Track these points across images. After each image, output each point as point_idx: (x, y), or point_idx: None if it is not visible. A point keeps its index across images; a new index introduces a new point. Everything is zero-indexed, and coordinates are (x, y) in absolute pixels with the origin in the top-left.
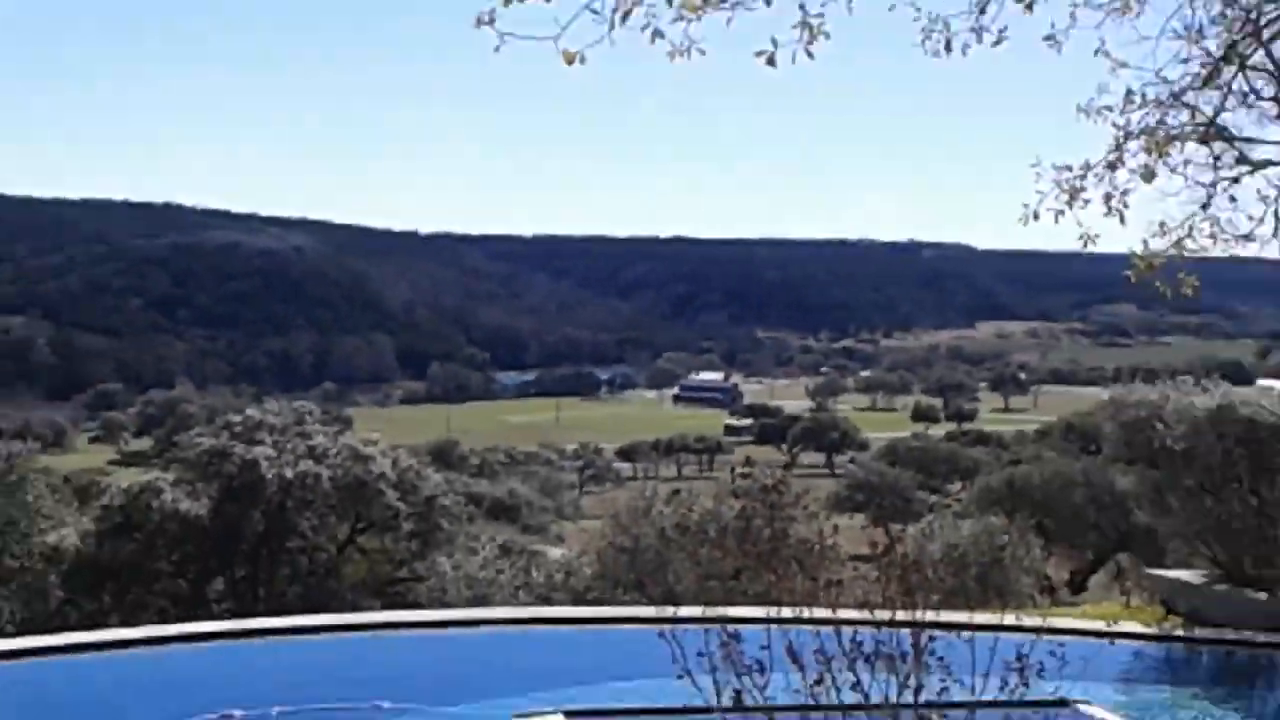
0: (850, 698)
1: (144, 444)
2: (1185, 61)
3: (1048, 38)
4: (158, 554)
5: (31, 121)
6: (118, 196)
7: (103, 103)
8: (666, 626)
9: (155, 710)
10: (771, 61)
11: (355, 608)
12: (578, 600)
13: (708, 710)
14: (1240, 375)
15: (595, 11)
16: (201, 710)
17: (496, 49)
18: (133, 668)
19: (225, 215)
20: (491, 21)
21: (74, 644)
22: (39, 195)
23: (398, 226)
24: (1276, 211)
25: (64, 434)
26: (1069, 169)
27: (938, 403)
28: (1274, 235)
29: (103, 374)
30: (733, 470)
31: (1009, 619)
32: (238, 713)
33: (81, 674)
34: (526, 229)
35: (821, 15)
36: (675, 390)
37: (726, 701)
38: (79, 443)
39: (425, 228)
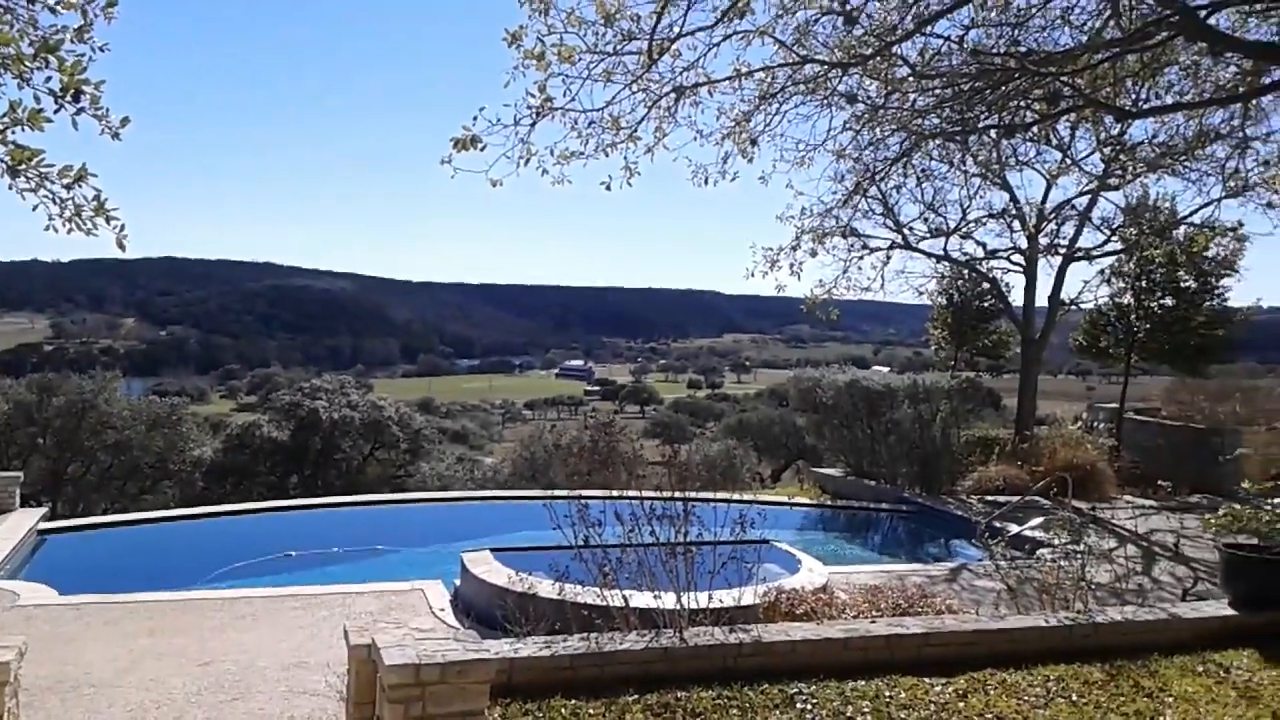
0: (648, 539)
1: (251, 399)
2: (835, 193)
3: (760, 178)
4: (258, 462)
5: (190, 203)
6: (236, 257)
7: (231, 192)
8: (548, 501)
9: (249, 550)
10: (608, 187)
11: (373, 492)
12: (500, 487)
13: (571, 547)
14: (863, 364)
15: (508, 157)
16: (274, 551)
17: (452, 177)
18: (238, 526)
19: (300, 269)
20: (450, 161)
21: (207, 512)
22: (192, 256)
23: (400, 276)
24: (882, 275)
25: (205, 394)
26: (770, 249)
27: (702, 378)
28: (880, 288)
29: (228, 360)
30: (585, 416)
31: (736, 496)
32: (294, 552)
33: (210, 529)
34: (474, 279)
35: (637, 162)
36: (557, 370)
37: (580, 541)
38: (214, 399)
39: (416, 277)
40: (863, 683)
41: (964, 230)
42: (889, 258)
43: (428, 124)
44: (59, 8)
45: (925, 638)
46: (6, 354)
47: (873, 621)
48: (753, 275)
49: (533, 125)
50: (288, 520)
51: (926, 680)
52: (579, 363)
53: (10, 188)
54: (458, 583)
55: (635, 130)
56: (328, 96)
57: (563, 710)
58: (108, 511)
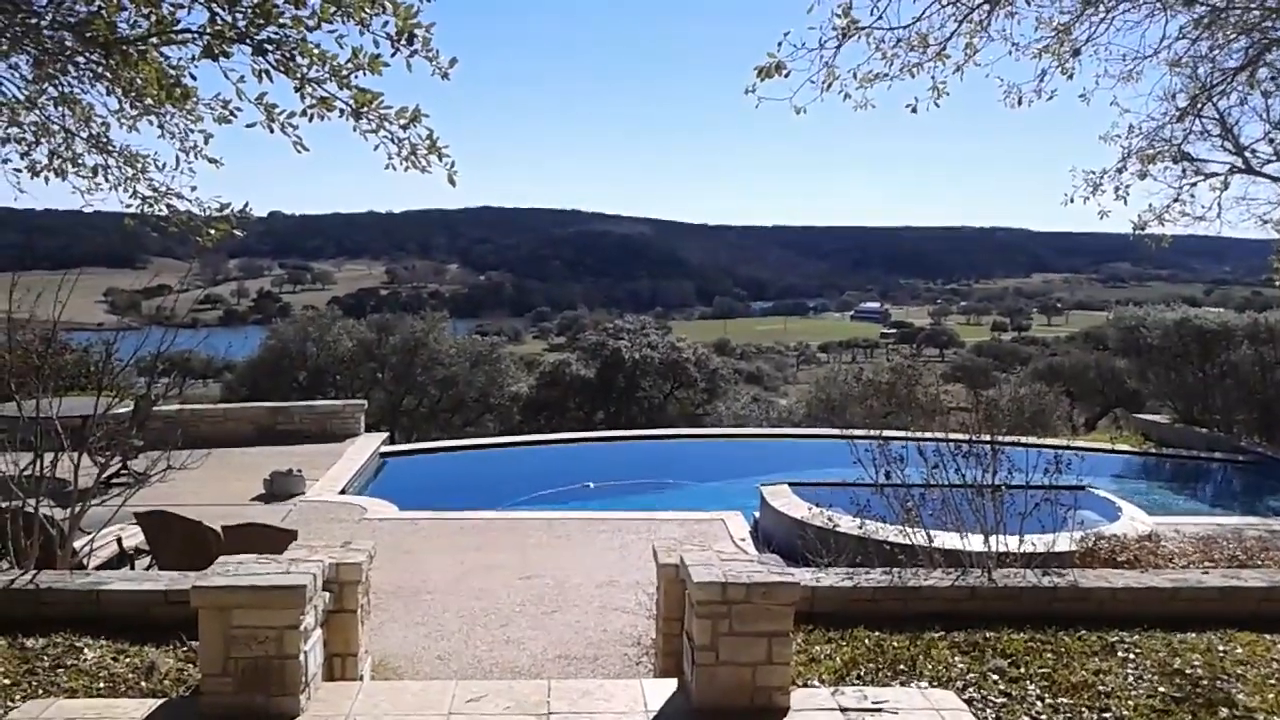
0: (954, 479)
1: (560, 340)
2: (1166, 113)
3: (1081, 96)
4: (568, 398)
5: (505, 155)
6: (545, 205)
7: (540, 143)
8: (849, 439)
9: (555, 478)
10: (914, 110)
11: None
12: (796, 426)
13: (872, 484)
14: (1193, 304)
15: (813, 82)
16: (575, 481)
17: (756, 106)
18: (551, 455)
19: (602, 215)
20: (754, 90)
21: (522, 441)
22: (508, 206)
23: (697, 220)
24: (1219, 203)
25: (519, 334)
26: (1093, 172)
27: (1007, 320)
28: (1217, 218)
29: (539, 303)
30: (885, 357)
31: (1048, 440)
32: (592, 483)
33: (522, 457)
34: (768, 221)
35: (945, 82)
36: (852, 313)
37: (882, 478)
38: (527, 339)
39: (712, 221)
40: (1193, 635)
41: None
42: (1227, 183)
43: (724, 68)
44: None
45: (1267, 592)
46: (349, 298)
47: (1205, 573)
48: (1071, 201)
49: (838, 48)
50: (594, 450)
51: (1267, 637)
52: (875, 305)
53: (354, 130)
54: (757, 515)
55: (944, 47)
56: (630, 45)
57: (866, 640)
58: (437, 440)
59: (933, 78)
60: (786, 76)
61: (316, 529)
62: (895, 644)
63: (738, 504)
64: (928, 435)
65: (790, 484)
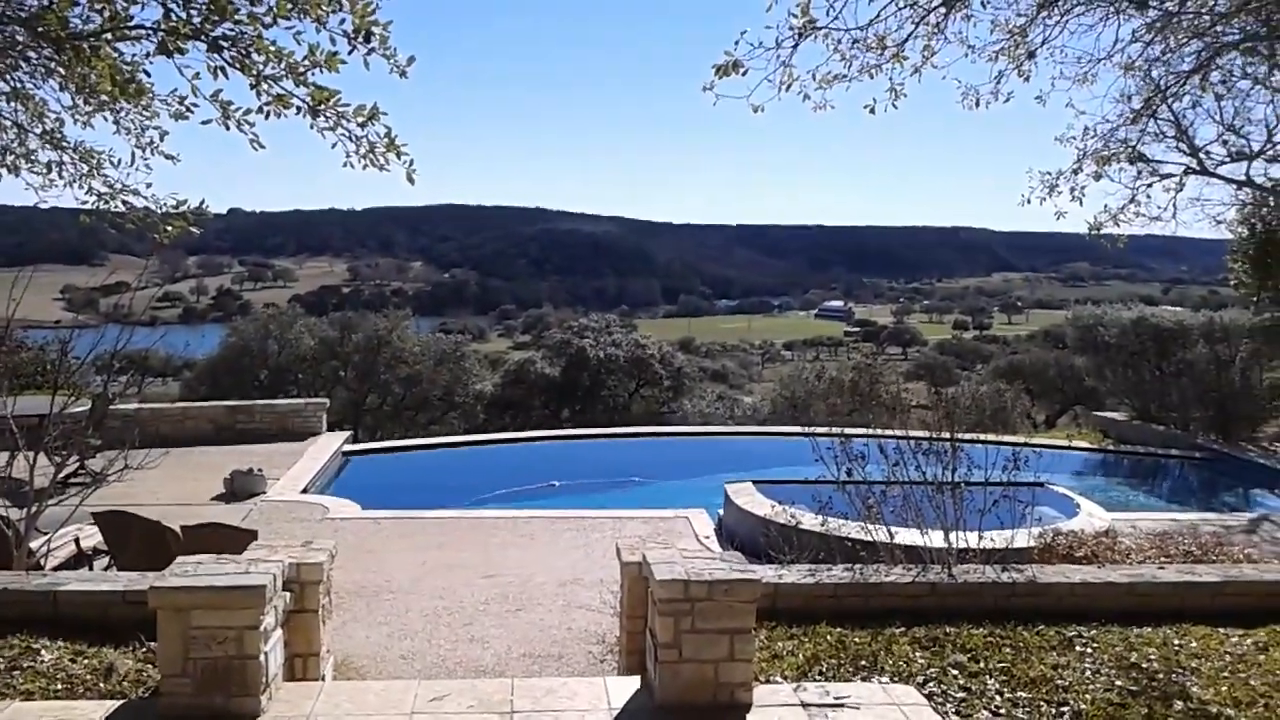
0: (914, 476)
1: (525, 338)
2: (1121, 114)
3: (1037, 97)
4: (533, 396)
5: (467, 152)
6: (511, 204)
7: (504, 140)
8: (811, 436)
9: (519, 476)
10: (872, 110)
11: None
12: (760, 424)
13: (834, 481)
14: (1150, 303)
15: (770, 81)
16: (540, 480)
17: (714, 104)
18: (513, 453)
19: (568, 214)
20: (712, 87)
21: (487, 439)
22: (471, 203)
23: (663, 219)
24: (1174, 203)
25: (484, 332)
26: (1049, 173)
27: (969, 319)
28: (1172, 218)
29: (504, 300)
30: (848, 355)
31: (1007, 438)
32: (558, 482)
33: (487, 456)
34: (733, 220)
35: (903, 83)
36: (816, 311)
37: (843, 475)
38: (491, 338)
39: (677, 219)
40: (1149, 630)
41: (1271, 153)
42: (1182, 184)
43: (684, 69)
44: None
45: (1220, 586)
46: (311, 295)
47: (1161, 568)
48: (1028, 202)
49: (795, 47)
50: (559, 449)
51: (1221, 631)
52: (838, 303)
53: (311, 127)
54: (721, 512)
55: (901, 49)
56: (591, 44)
57: (828, 636)
58: (401, 438)
59: (890, 79)
60: (744, 75)
61: (277, 528)
62: (857, 640)
63: (703, 502)
64: (889, 433)
65: (755, 482)
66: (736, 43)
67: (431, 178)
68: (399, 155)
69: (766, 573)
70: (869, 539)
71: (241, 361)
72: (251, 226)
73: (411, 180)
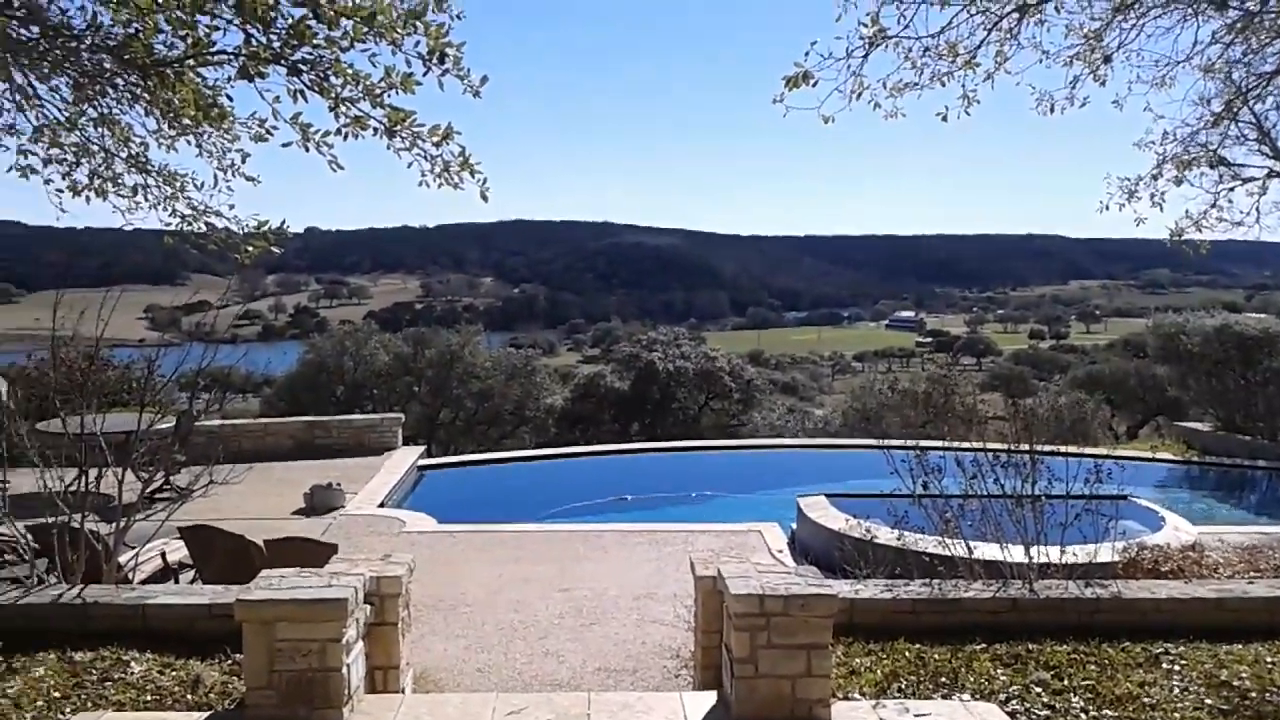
0: (993, 489)
1: (594, 352)
2: (1200, 117)
3: (1114, 102)
4: (603, 410)
5: (536, 168)
6: (577, 218)
7: (572, 156)
8: (885, 449)
9: (591, 490)
10: (944, 118)
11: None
12: (831, 437)
13: (910, 495)
14: (1234, 310)
15: (840, 91)
16: (611, 493)
17: (784, 116)
18: (584, 467)
19: (635, 227)
20: (782, 99)
21: (558, 453)
22: (540, 219)
23: (729, 231)
24: (1257, 207)
25: (553, 347)
26: (1128, 179)
27: (1045, 328)
28: (1255, 223)
29: (572, 315)
30: (923, 366)
31: (1089, 450)
32: (629, 496)
33: (558, 470)
34: (801, 231)
35: (975, 90)
36: (886, 322)
37: (919, 489)
38: (561, 352)
39: (744, 231)
40: (1239, 647)
41: None
42: (1265, 188)
43: (750, 79)
44: None
45: None
46: (385, 312)
47: (1251, 583)
48: (1106, 209)
49: (865, 57)
50: (630, 462)
51: None
52: (910, 314)
53: (388, 147)
54: (794, 526)
55: (974, 55)
56: (660, 57)
57: (906, 653)
58: (474, 453)
59: (963, 86)
60: (814, 86)
61: (356, 542)
62: (936, 656)
63: (774, 515)
64: (966, 445)
65: (827, 495)
66: (806, 54)
67: (500, 194)
68: (473, 173)
69: (843, 588)
70: (947, 554)
71: (319, 378)
72: (328, 245)
73: (485, 198)
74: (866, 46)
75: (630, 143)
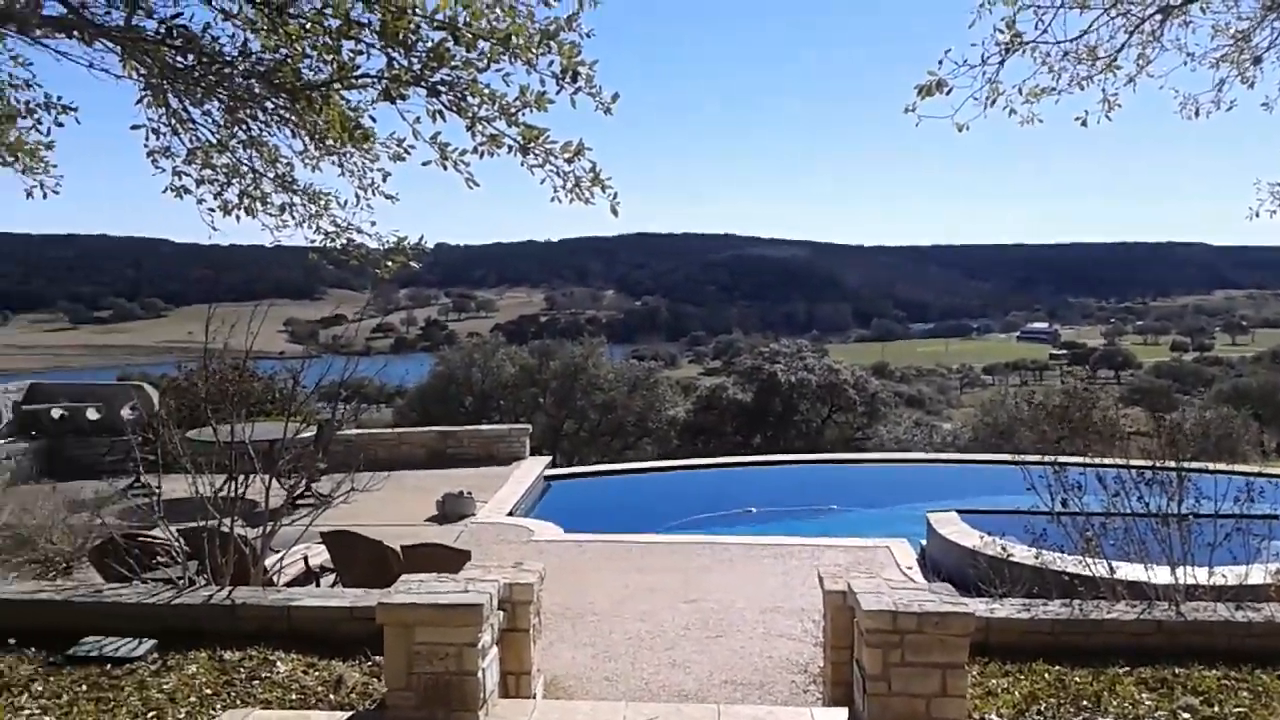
0: (1136, 508)
1: (716, 364)
2: None
3: (1263, 104)
4: (725, 422)
5: (658, 180)
6: (700, 230)
7: (694, 167)
8: (1021, 464)
9: (715, 501)
10: (1084, 123)
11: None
12: (960, 451)
13: (1047, 512)
14: None
15: (975, 98)
16: (735, 505)
17: (916, 125)
18: (710, 478)
19: (757, 239)
20: (914, 108)
21: (682, 465)
22: (662, 231)
23: (853, 241)
24: None
25: (675, 359)
26: (1277, 184)
27: (1188, 340)
28: None
29: (694, 327)
30: (1062, 379)
31: (1239, 467)
32: (754, 508)
33: (682, 481)
34: (927, 240)
35: (1116, 94)
36: (1018, 333)
37: (1058, 506)
38: (682, 364)
39: (869, 242)
40: None
41: None
42: None
43: (875, 89)
44: (550, 0)
45: None
46: (511, 324)
47: None
48: (1256, 215)
49: (1001, 63)
50: (753, 475)
51: None
52: (1043, 325)
53: (521, 164)
54: (924, 542)
55: (1114, 59)
56: (776, 68)
57: (1046, 675)
58: (598, 464)
59: (1102, 90)
60: (948, 94)
61: (486, 550)
62: (1077, 679)
63: (902, 531)
64: (1107, 461)
65: (959, 511)
66: (940, 62)
67: (624, 207)
68: (603, 189)
69: (978, 606)
70: (1087, 573)
71: (448, 389)
72: (456, 260)
73: (615, 212)
74: (1003, 53)
75: (753, 156)
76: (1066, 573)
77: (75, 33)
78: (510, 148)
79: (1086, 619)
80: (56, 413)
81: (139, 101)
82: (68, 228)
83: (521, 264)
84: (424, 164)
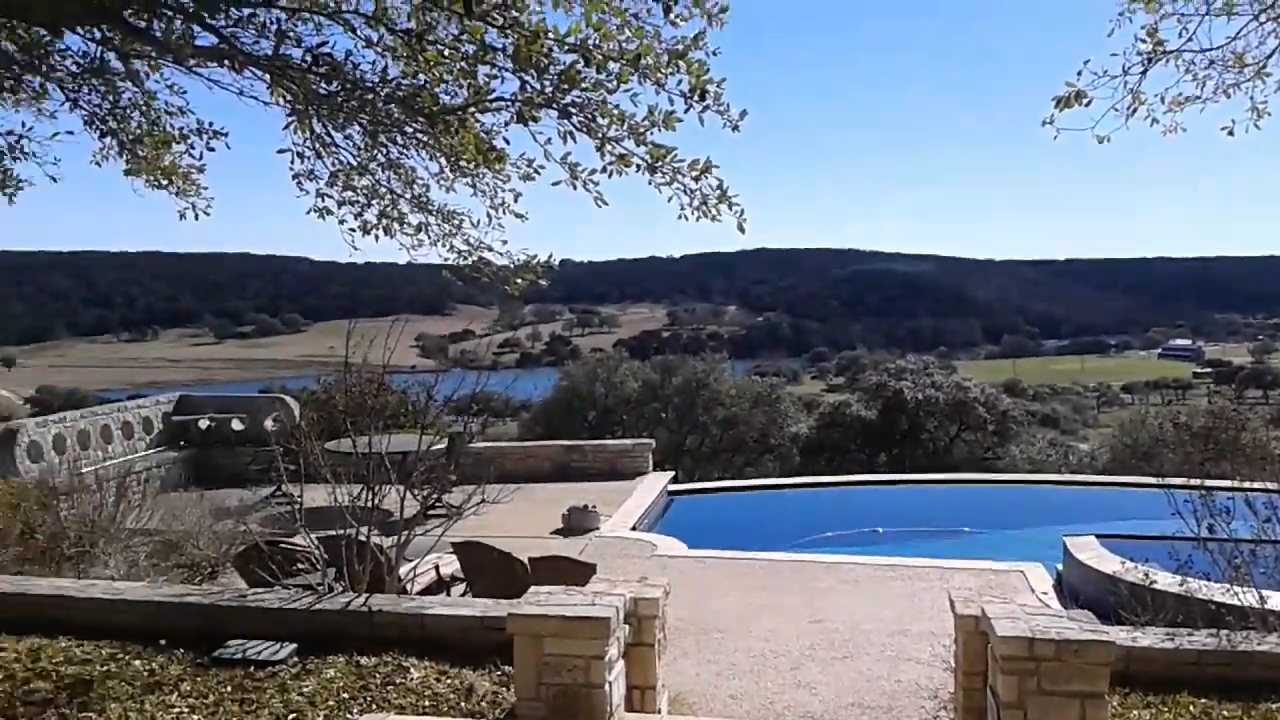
0: None
1: (839, 380)
2: None
3: None
4: (849, 439)
5: (781, 195)
6: (823, 245)
7: (816, 181)
8: (1166, 488)
9: (839, 520)
10: (1230, 132)
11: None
12: (1098, 473)
13: (1193, 539)
14: None
15: (1116, 109)
16: (860, 525)
17: (1054, 138)
18: (834, 496)
19: (881, 254)
20: (1052, 121)
21: (806, 482)
22: (784, 246)
23: (982, 256)
24: None
25: (797, 375)
26: None
27: None
28: None
29: (816, 343)
30: (1210, 399)
31: None
32: (881, 529)
33: (806, 499)
34: (1062, 254)
35: (1265, 101)
36: (1159, 351)
37: (1204, 532)
38: (805, 380)
39: (999, 256)
40: None
41: None
42: None
43: (1004, 101)
44: (677, 20)
45: None
46: (633, 340)
47: None
48: None
49: (1144, 73)
50: (878, 494)
51: None
52: (1185, 341)
53: (649, 183)
54: (1060, 567)
55: (1264, 65)
56: (899, 83)
57: (1191, 707)
58: (719, 479)
59: (1250, 98)
60: (1087, 105)
61: (610, 564)
62: (1225, 713)
63: (1035, 555)
64: (1258, 485)
65: (1097, 535)
66: (1079, 73)
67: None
68: (730, 206)
69: (1119, 634)
70: (1236, 603)
71: (572, 403)
72: (580, 276)
73: (742, 229)
74: (1145, 62)
75: (877, 170)
76: (1213, 601)
77: (226, 62)
78: (638, 166)
79: (1235, 650)
80: (204, 423)
81: (285, 127)
82: (213, 246)
83: (644, 280)
84: (554, 184)
